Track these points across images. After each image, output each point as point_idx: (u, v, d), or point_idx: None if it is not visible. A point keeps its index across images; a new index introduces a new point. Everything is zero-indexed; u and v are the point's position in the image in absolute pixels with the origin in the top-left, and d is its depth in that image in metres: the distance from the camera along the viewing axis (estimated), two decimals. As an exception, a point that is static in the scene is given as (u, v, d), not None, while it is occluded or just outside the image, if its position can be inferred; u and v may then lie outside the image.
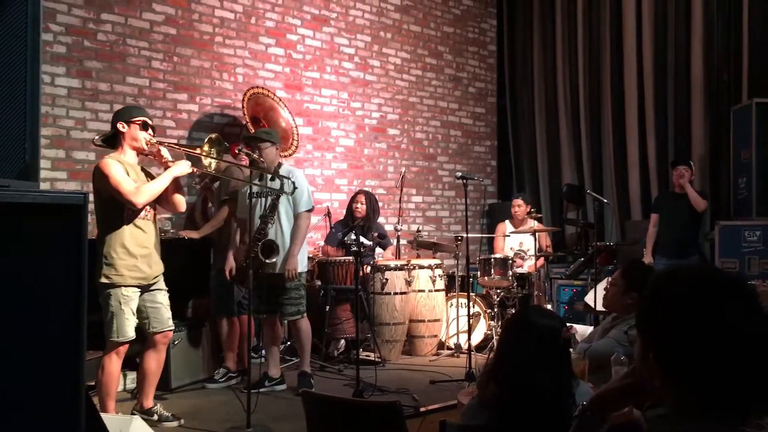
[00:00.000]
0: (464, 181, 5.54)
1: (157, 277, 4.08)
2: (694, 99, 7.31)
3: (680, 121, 7.46)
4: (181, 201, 4.16)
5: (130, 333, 3.92)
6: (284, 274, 4.83)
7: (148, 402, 4.22)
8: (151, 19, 6.05)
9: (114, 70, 5.81)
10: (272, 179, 4.73)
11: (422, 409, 4.26)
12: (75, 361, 1.77)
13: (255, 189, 4.63)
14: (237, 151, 4.62)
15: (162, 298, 4.11)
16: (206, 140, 4.16)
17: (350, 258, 5.89)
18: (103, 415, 3.03)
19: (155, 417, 4.18)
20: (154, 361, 4.16)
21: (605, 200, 7.24)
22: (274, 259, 4.70)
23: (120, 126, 3.96)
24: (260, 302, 4.88)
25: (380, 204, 7.14)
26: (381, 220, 7.15)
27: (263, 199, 4.89)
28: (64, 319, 1.74)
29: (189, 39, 6.32)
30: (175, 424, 4.19)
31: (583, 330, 4.92)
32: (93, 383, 4.64)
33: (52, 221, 1.73)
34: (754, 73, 6.76)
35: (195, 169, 4.16)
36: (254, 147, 4.83)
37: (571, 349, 2.27)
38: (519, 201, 7.18)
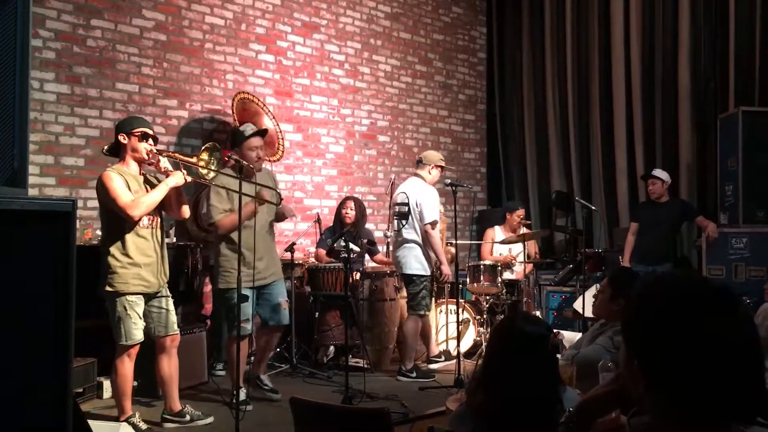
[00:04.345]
0: (453, 188, 5.56)
1: (162, 286, 4.16)
2: (681, 107, 7.37)
3: (668, 130, 7.52)
4: (185, 208, 4.28)
5: (138, 336, 4.00)
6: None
7: (176, 405, 4.26)
8: (141, 25, 6.04)
9: (103, 76, 5.80)
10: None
11: (411, 416, 4.26)
12: (62, 366, 1.77)
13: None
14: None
15: (166, 303, 4.18)
16: (203, 149, 4.16)
17: (339, 264, 5.88)
18: (91, 422, 3.02)
19: (187, 418, 4.24)
20: (166, 366, 4.20)
21: (594, 207, 7.26)
22: None
23: (121, 138, 4.06)
24: None
25: (370, 211, 7.15)
26: (371, 226, 7.15)
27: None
28: (51, 325, 1.74)
29: (179, 45, 6.31)
30: (208, 420, 4.27)
31: (571, 336, 4.94)
32: (81, 390, 4.63)
33: (40, 228, 1.73)
34: (741, 81, 6.83)
35: (188, 179, 4.16)
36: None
37: (558, 355, 2.29)
38: (521, 212, 7.15)
